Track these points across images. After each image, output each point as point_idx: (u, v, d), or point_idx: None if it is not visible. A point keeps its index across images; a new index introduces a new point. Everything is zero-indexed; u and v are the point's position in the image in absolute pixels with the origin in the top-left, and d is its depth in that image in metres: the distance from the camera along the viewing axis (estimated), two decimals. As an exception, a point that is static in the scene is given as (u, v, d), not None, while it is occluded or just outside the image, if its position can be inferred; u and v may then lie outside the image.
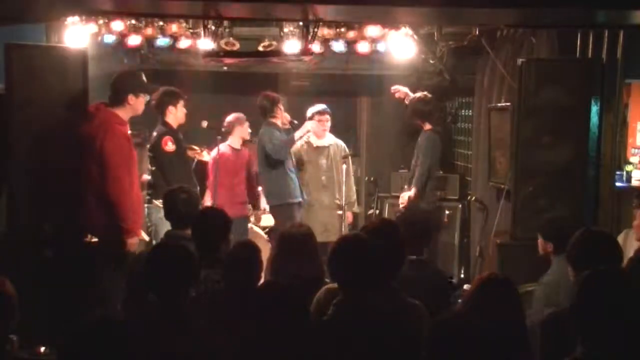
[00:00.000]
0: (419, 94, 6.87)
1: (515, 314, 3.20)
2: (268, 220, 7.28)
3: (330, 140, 7.01)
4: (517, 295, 3.31)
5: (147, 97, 5.57)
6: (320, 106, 6.95)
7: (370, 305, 3.21)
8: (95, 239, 5.40)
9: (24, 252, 5.10)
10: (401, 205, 6.82)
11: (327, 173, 6.73)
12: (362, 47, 6.71)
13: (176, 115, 6.15)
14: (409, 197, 6.67)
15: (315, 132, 6.90)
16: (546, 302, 4.24)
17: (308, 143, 6.95)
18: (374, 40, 6.66)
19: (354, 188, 7.12)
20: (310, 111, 6.95)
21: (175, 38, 6.55)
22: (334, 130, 7.19)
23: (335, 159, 6.91)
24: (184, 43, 6.57)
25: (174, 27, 6.46)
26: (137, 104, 5.44)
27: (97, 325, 2.59)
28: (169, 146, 6.01)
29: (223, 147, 6.77)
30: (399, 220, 4.39)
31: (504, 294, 3.19)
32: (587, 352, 2.51)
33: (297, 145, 6.91)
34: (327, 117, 6.91)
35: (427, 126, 6.82)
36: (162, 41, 6.55)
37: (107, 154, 5.20)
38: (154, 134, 6.15)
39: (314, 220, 6.71)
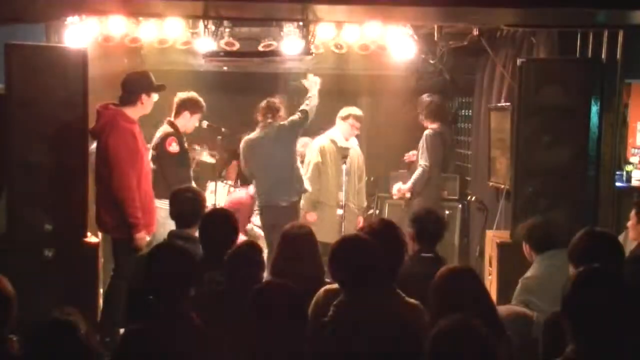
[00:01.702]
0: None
1: (484, 300, 3.23)
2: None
3: (352, 143, 7.04)
4: (481, 282, 3.38)
5: (156, 97, 5.61)
6: (359, 111, 7.01)
7: (371, 306, 3.21)
8: (95, 239, 5.41)
9: (24, 252, 5.10)
10: (395, 197, 7.13)
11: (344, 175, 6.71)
12: (362, 47, 6.69)
13: (187, 122, 6.25)
14: (403, 191, 6.96)
15: (344, 133, 6.92)
16: (518, 301, 4.28)
17: (333, 142, 6.93)
18: (374, 41, 6.65)
19: (364, 195, 7.13)
20: (346, 111, 6.97)
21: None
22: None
23: (352, 162, 6.87)
24: (184, 43, 6.55)
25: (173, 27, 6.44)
26: (148, 103, 5.55)
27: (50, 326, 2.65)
28: (173, 147, 6.05)
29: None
30: (412, 219, 4.41)
31: (468, 283, 3.22)
32: (579, 351, 2.51)
33: (322, 143, 6.91)
34: (359, 124, 7.00)
35: (434, 125, 6.91)
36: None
37: (110, 150, 5.28)
38: (158, 134, 6.16)
39: (326, 219, 6.73)
